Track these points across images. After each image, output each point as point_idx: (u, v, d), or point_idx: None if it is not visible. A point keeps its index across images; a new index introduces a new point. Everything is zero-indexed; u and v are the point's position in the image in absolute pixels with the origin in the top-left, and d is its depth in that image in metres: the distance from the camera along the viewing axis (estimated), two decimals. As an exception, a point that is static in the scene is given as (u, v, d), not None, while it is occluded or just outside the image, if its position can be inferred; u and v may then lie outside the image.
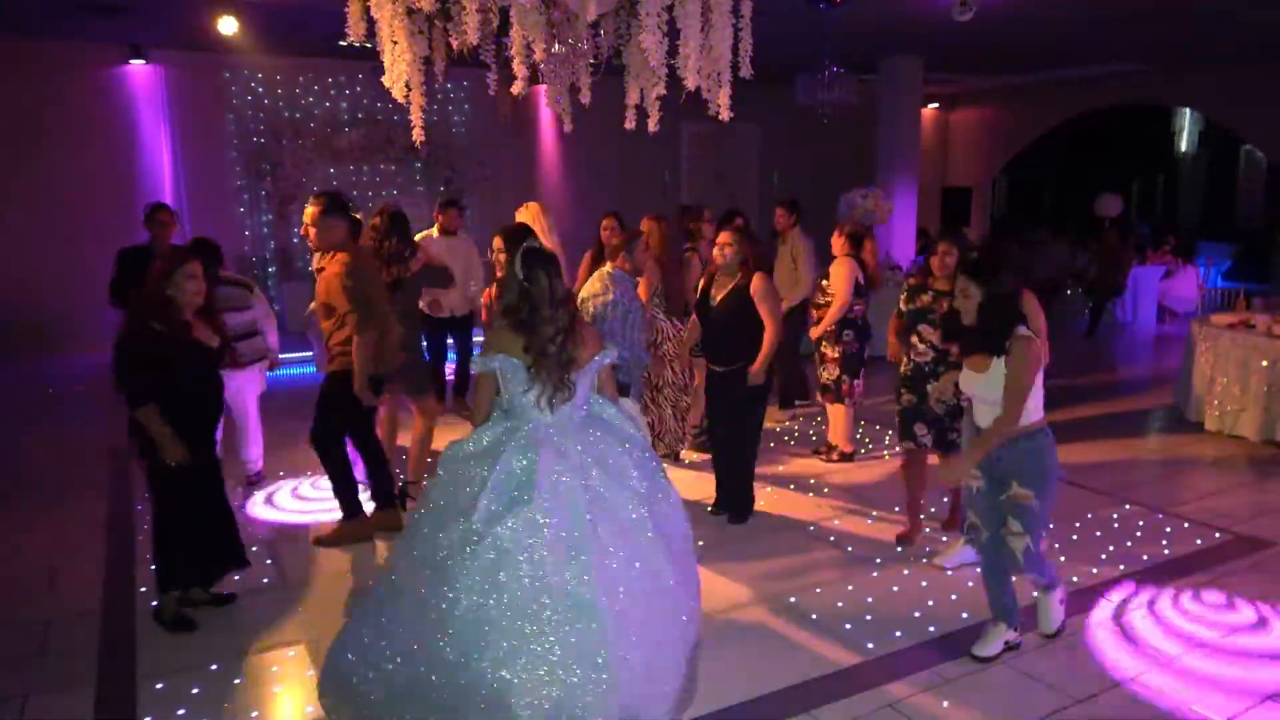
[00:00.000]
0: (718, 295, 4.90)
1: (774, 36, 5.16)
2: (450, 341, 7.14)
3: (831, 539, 4.88)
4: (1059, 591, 3.77)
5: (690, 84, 3.71)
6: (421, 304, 5.64)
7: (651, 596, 2.86)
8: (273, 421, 5.97)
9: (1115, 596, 4.18)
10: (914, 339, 4.56)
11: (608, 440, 3.06)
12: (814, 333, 6.02)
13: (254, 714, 3.30)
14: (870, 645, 3.74)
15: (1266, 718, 3.24)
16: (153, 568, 3.99)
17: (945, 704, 3.32)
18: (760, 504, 5.29)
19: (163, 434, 3.64)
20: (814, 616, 3.99)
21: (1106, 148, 15.73)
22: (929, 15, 8.24)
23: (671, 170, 13.12)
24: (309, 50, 10.17)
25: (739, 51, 3.82)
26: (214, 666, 3.60)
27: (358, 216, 4.96)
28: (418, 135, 4.14)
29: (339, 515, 4.81)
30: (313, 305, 4.98)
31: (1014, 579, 3.63)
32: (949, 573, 4.41)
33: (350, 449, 4.78)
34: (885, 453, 6.40)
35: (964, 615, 3.98)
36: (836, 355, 5.94)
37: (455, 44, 3.89)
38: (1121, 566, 4.51)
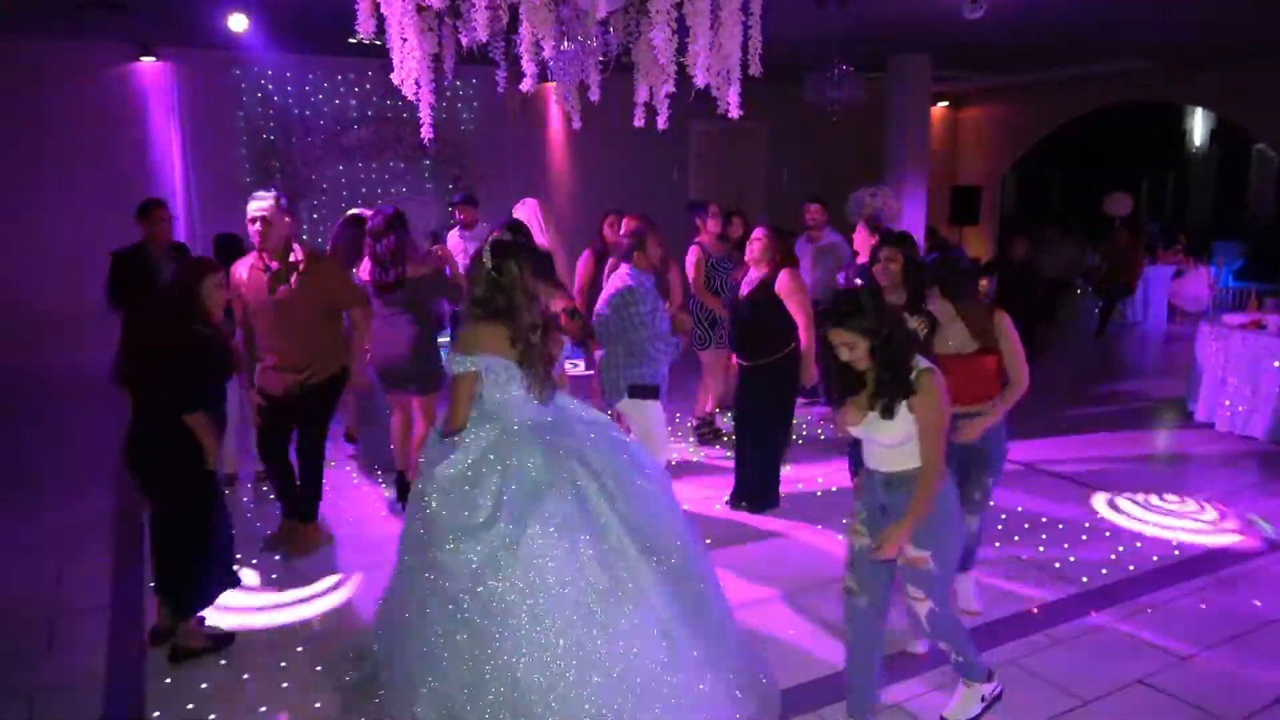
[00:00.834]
0: (746, 290, 4.98)
1: (783, 34, 5.14)
2: None
3: (839, 536, 4.87)
4: (987, 686, 3.17)
5: (700, 82, 3.71)
6: None
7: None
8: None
9: (1124, 596, 4.16)
10: None
11: (587, 429, 3.12)
12: None
13: (262, 709, 3.31)
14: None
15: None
16: (162, 594, 3.70)
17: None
18: (768, 502, 5.29)
19: (209, 439, 3.55)
20: (822, 615, 3.98)
21: (1116, 146, 15.66)
22: (939, 13, 8.20)
23: (680, 168, 13.10)
24: (318, 47, 10.18)
25: (748, 49, 3.81)
26: (222, 662, 3.61)
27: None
28: (426, 133, 4.13)
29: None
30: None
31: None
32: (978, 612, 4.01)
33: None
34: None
35: (976, 608, 3.97)
36: None
37: (465, 41, 3.89)
38: (1130, 567, 4.49)
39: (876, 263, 4.04)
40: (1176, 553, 4.68)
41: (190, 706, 3.31)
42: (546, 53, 3.71)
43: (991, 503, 3.49)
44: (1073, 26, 9.12)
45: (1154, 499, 5.44)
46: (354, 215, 5.98)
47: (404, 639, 3.00)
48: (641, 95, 4.00)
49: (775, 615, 4.01)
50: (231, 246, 5.79)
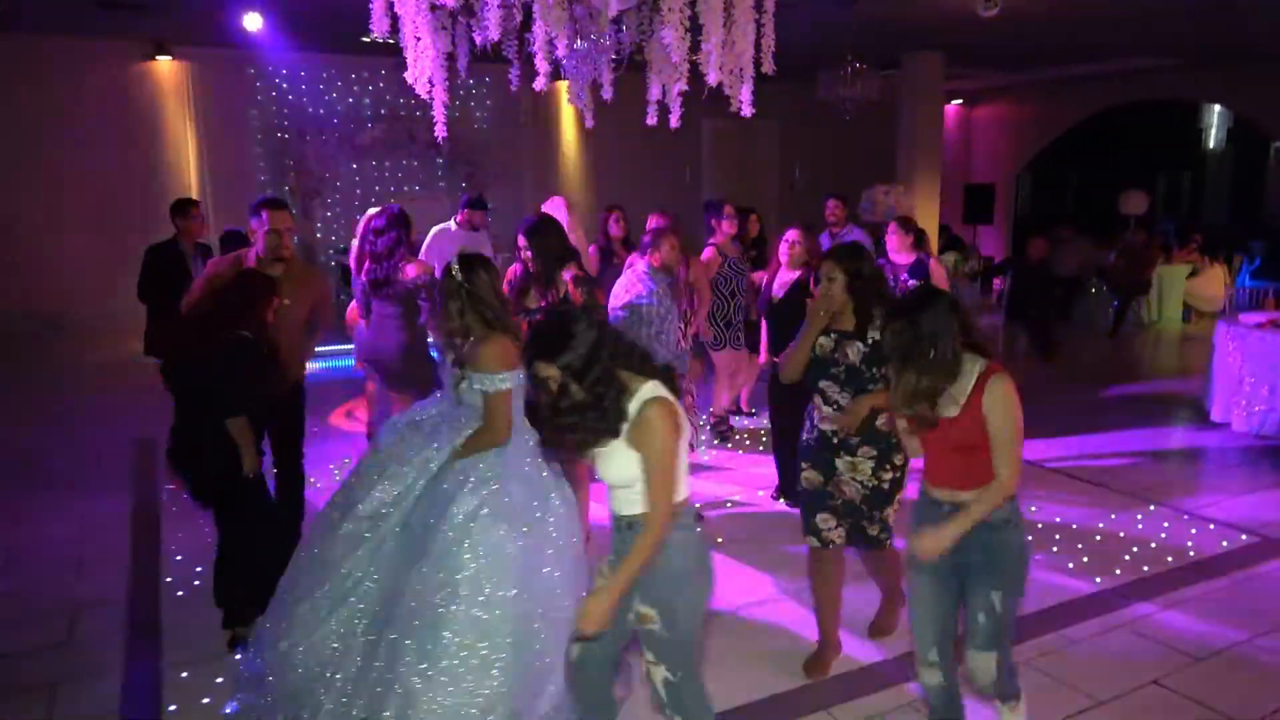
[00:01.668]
0: (782, 291, 4.94)
1: (796, 32, 5.13)
2: None
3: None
4: None
5: (712, 80, 3.71)
6: None
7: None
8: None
9: (1138, 597, 4.14)
10: (817, 399, 3.43)
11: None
12: None
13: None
14: (890, 643, 3.72)
15: (1293, 722, 3.21)
16: (216, 602, 3.76)
17: (967, 703, 3.30)
18: (781, 501, 5.28)
19: (248, 443, 3.54)
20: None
21: (1132, 144, 15.55)
22: (952, 10, 8.17)
23: (692, 166, 13.09)
24: (332, 46, 10.23)
25: (761, 47, 3.81)
26: (238, 656, 3.64)
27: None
28: (440, 131, 4.15)
29: None
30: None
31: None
32: None
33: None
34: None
35: (985, 615, 3.96)
36: None
37: (478, 40, 3.90)
38: (1145, 568, 4.46)
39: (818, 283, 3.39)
40: (1192, 554, 4.65)
41: (206, 700, 3.34)
42: (560, 51, 3.72)
43: (1011, 637, 2.74)
44: (1089, 24, 9.07)
45: (1167, 501, 5.41)
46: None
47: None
48: (654, 93, 4.00)
49: (788, 612, 4.01)
50: (238, 244, 5.83)
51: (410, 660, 2.78)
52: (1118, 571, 4.41)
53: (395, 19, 3.85)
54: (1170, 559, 4.57)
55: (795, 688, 3.40)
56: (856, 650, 3.68)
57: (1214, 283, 11.92)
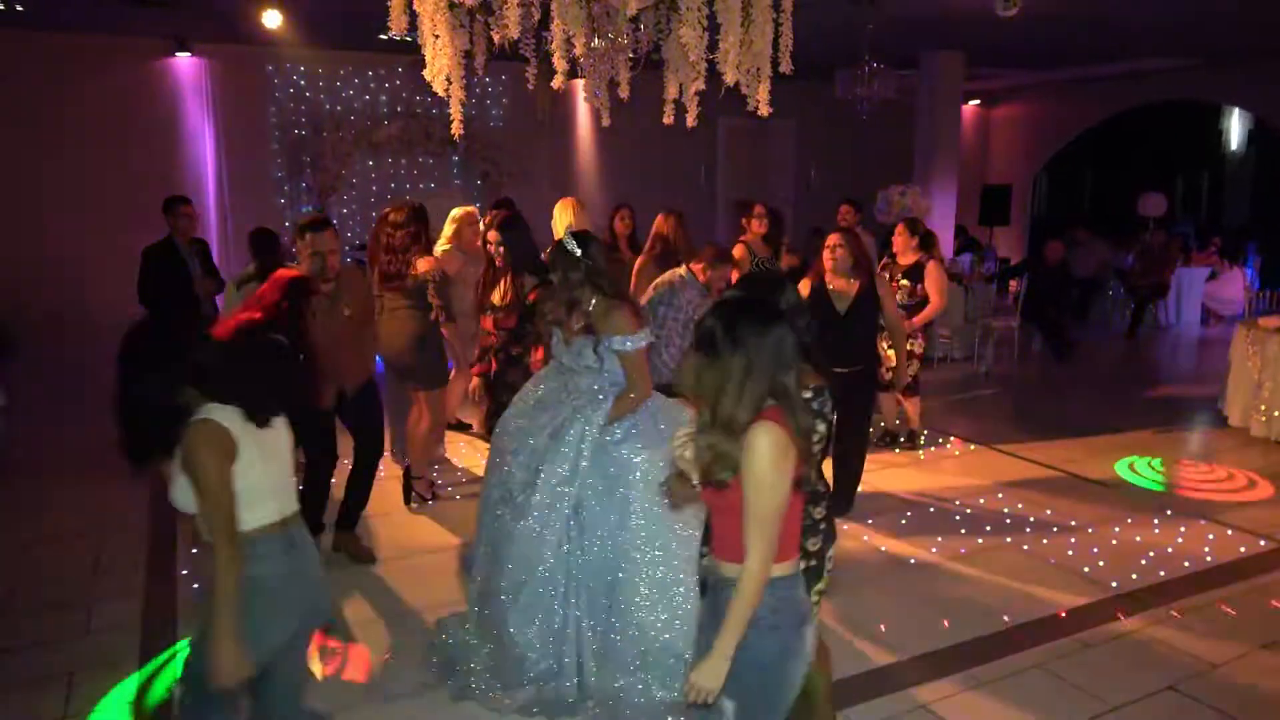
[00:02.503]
0: (841, 301, 4.78)
1: (814, 31, 5.11)
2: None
3: (865, 538, 4.85)
4: None
5: (730, 79, 3.70)
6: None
7: None
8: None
9: (1154, 601, 4.11)
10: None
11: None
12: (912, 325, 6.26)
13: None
14: (903, 646, 3.71)
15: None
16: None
17: (978, 707, 3.29)
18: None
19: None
20: (848, 615, 3.97)
21: (1150, 145, 15.41)
22: (971, 10, 8.12)
23: (708, 166, 13.07)
24: (350, 44, 10.27)
25: (779, 46, 3.80)
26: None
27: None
28: (457, 129, 4.15)
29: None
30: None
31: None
32: None
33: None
34: (952, 447, 6.34)
35: (1005, 618, 3.94)
36: (920, 352, 6.33)
37: (496, 38, 3.90)
38: (1162, 573, 4.43)
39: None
40: (1208, 559, 4.61)
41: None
42: (577, 50, 3.72)
43: None
44: (1107, 24, 9.00)
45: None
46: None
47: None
48: (671, 92, 4.00)
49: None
50: (267, 242, 5.81)
51: (642, 617, 3.17)
52: (1134, 576, 4.38)
53: (413, 17, 3.86)
54: (1187, 564, 4.54)
55: (807, 688, 3.40)
56: (870, 652, 3.67)
57: (1233, 285, 11.81)
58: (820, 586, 2.74)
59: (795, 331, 2.16)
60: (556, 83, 3.78)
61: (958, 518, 5.11)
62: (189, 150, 10.33)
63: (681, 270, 4.97)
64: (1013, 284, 10.34)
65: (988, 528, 4.96)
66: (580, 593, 3.25)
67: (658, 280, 5.05)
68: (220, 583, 2.13)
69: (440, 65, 3.92)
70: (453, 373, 5.71)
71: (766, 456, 2.00)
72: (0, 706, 3.34)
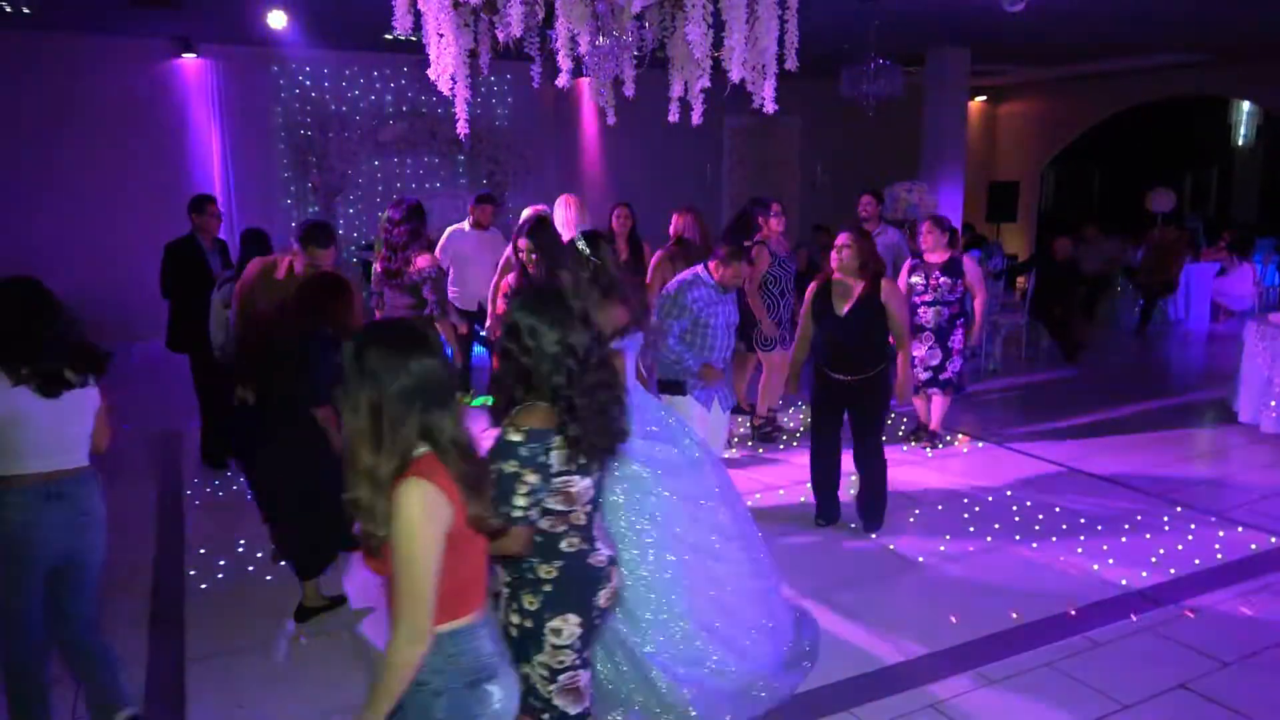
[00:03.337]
0: (842, 302, 4.68)
1: (820, 28, 5.09)
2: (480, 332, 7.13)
3: (873, 536, 4.83)
4: None
5: (735, 76, 3.69)
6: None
7: None
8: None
9: (1166, 599, 4.09)
10: None
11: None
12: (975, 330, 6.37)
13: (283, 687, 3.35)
14: (914, 644, 3.70)
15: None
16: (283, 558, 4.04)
17: (989, 705, 3.28)
18: (801, 499, 5.25)
19: (334, 428, 3.60)
20: (858, 613, 3.96)
21: (1159, 140, 15.34)
22: (978, 5, 8.09)
23: (713, 164, 13.06)
24: (355, 43, 10.28)
25: (784, 43, 3.78)
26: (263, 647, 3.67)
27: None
28: (462, 128, 4.15)
29: None
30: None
31: None
32: None
33: None
34: (960, 444, 6.32)
35: (1013, 615, 3.92)
36: (958, 349, 6.21)
37: (500, 36, 3.89)
38: (1172, 570, 4.41)
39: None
40: (1219, 556, 4.58)
41: (229, 692, 3.36)
42: (582, 48, 3.71)
43: None
44: (1115, 19, 8.96)
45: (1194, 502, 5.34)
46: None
47: None
48: (676, 90, 3.98)
49: (810, 611, 3.99)
50: (258, 242, 5.85)
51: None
52: (1144, 574, 4.36)
53: (418, 16, 3.86)
54: (1197, 561, 4.51)
55: (820, 686, 3.38)
56: (881, 651, 3.65)
57: (1243, 281, 11.74)
58: (543, 659, 2.22)
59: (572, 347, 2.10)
60: (561, 81, 3.76)
61: (966, 515, 5.09)
62: (195, 151, 10.35)
63: (698, 269, 4.88)
64: (1020, 281, 10.29)
65: (996, 525, 4.94)
66: None
67: (678, 278, 4.97)
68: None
69: (445, 64, 3.91)
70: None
71: (410, 520, 1.75)
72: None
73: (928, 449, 6.26)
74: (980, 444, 6.44)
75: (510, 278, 4.86)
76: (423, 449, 1.82)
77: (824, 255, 5.31)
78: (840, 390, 4.76)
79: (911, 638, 3.74)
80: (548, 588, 2.22)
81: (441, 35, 3.84)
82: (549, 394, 2.15)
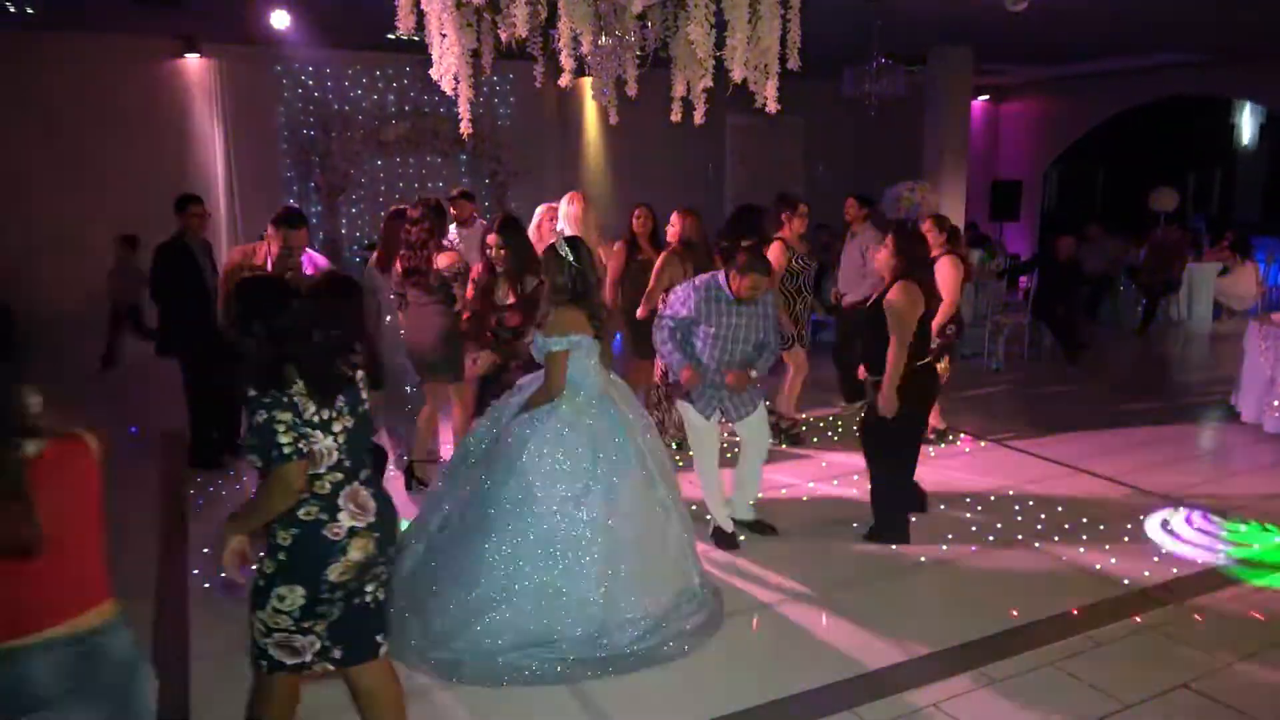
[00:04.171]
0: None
1: (822, 27, 5.08)
2: None
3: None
4: None
5: (737, 76, 3.69)
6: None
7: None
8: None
9: (1168, 599, 4.09)
10: None
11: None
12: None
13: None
14: (915, 644, 3.70)
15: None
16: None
17: (990, 705, 3.28)
18: (804, 499, 5.25)
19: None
20: (861, 613, 3.96)
21: (1162, 140, 15.31)
22: (981, 5, 8.08)
23: (715, 163, 13.05)
24: (358, 43, 10.29)
25: (787, 43, 3.79)
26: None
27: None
28: (465, 128, 4.16)
29: None
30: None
31: None
32: None
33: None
34: (962, 444, 6.32)
35: (1014, 614, 3.92)
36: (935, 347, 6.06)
37: (503, 36, 3.90)
38: (1175, 570, 4.40)
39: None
40: (1222, 555, 4.58)
41: (233, 693, 3.36)
42: (584, 48, 3.72)
43: None
44: (1119, 18, 8.95)
45: (1200, 507, 5.33)
46: (398, 210, 6.05)
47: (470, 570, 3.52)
48: (679, 90, 3.99)
49: (807, 613, 3.99)
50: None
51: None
52: (1146, 573, 4.35)
53: (421, 16, 3.87)
54: (1201, 560, 4.51)
55: (823, 685, 3.39)
56: (881, 650, 3.66)
57: (1245, 281, 11.72)
58: (264, 616, 2.45)
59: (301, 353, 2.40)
60: (563, 81, 3.77)
61: (968, 515, 5.09)
62: (198, 151, 10.36)
63: (720, 278, 4.68)
64: (1023, 280, 10.28)
65: (998, 525, 4.94)
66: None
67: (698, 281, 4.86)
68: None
69: (448, 64, 3.93)
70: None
71: None
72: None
73: (928, 449, 6.25)
74: (982, 443, 6.44)
75: (477, 268, 4.93)
76: None
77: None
78: (861, 390, 4.86)
79: (912, 637, 3.74)
80: (282, 555, 2.43)
81: (444, 35, 3.85)
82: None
